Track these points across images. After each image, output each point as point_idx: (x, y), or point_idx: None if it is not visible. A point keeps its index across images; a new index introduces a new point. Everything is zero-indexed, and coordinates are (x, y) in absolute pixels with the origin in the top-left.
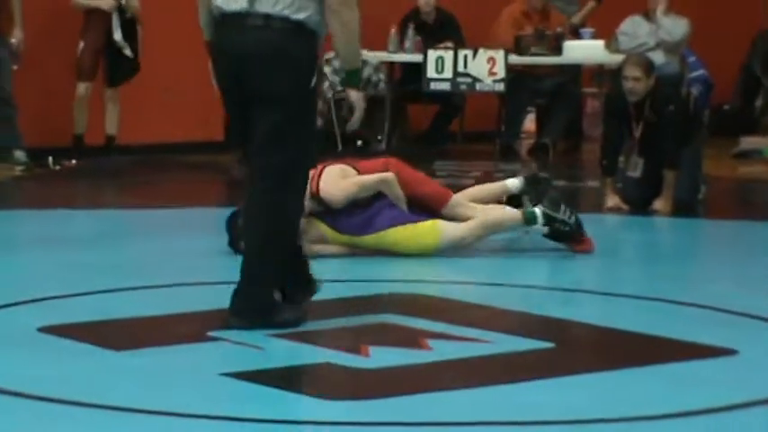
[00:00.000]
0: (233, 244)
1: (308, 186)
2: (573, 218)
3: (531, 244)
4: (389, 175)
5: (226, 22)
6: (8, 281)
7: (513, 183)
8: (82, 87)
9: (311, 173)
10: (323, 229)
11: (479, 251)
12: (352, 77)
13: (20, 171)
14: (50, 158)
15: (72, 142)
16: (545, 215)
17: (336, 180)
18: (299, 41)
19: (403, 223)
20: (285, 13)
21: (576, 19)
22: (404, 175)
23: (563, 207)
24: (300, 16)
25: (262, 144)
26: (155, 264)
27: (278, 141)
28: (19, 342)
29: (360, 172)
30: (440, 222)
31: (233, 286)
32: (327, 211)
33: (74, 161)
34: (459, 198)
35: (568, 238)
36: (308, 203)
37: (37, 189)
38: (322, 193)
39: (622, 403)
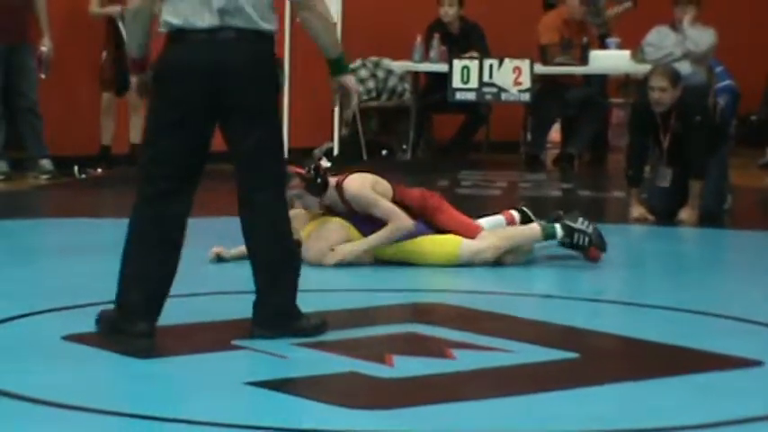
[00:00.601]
0: None
1: (331, 180)
2: (591, 227)
3: (554, 253)
4: (407, 224)
5: (190, 39)
6: (33, 289)
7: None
8: (105, 98)
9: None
10: (350, 230)
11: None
12: (340, 65)
13: (45, 180)
14: (76, 167)
15: (98, 152)
16: (564, 227)
17: (364, 182)
18: (270, 51)
19: (422, 234)
20: (255, 25)
21: (611, 12)
22: (441, 216)
23: (581, 219)
24: (267, 26)
25: (252, 159)
26: (178, 273)
27: (268, 153)
28: (43, 350)
29: (394, 192)
30: (460, 237)
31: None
32: (350, 214)
33: (99, 170)
34: (485, 234)
35: (585, 249)
36: (330, 194)
37: (62, 198)
38: (345, 184)
39: (648, 414)
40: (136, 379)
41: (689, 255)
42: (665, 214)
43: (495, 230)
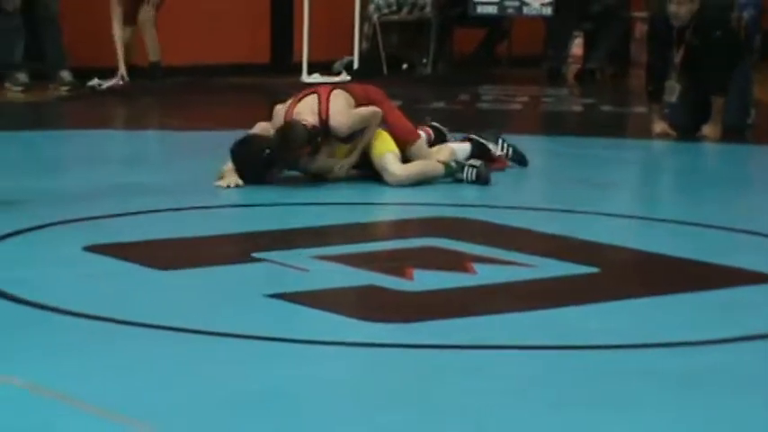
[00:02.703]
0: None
1: (316, 110)
2: (478, 161)
3: (575, 170)
4: (379, 110)
5: None
6: (54, 200)
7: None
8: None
9: (315, 96)
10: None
11: (518, 175)
12: None
13: (65, 91)
14: (96, 79)
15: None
16: (458, 163)
17: (346, 109)
18: None
19: None
20: None
21: None
22: (384, 105)
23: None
24: None
25: None
26: (199, 185)
27: None
28: (64, 261)
29: (355, 96)
30: (388, 150)
31: (276, 209)
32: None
33: (120, 82)
34: (422, 143)
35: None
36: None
37: (82, 110)
38: (331, 121)
39: (668, 329)
40: (156, 289)
41: (711, 170)
42: (687, 129)
43: (414, 163)
